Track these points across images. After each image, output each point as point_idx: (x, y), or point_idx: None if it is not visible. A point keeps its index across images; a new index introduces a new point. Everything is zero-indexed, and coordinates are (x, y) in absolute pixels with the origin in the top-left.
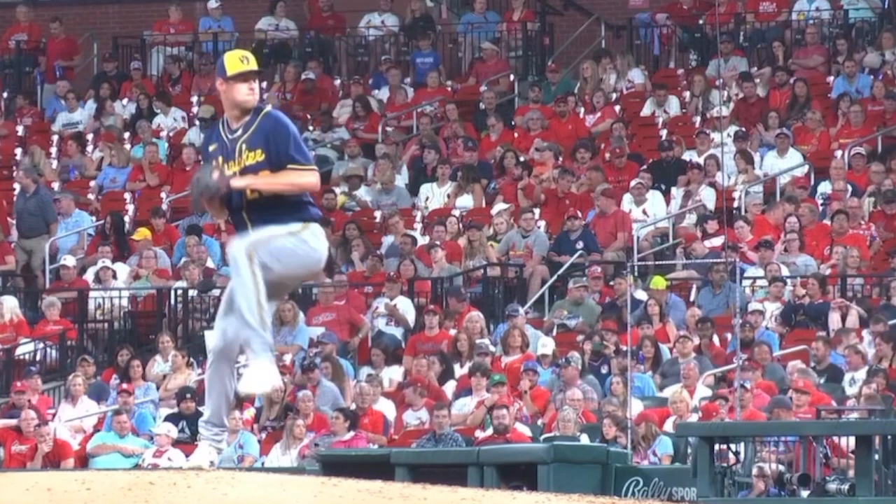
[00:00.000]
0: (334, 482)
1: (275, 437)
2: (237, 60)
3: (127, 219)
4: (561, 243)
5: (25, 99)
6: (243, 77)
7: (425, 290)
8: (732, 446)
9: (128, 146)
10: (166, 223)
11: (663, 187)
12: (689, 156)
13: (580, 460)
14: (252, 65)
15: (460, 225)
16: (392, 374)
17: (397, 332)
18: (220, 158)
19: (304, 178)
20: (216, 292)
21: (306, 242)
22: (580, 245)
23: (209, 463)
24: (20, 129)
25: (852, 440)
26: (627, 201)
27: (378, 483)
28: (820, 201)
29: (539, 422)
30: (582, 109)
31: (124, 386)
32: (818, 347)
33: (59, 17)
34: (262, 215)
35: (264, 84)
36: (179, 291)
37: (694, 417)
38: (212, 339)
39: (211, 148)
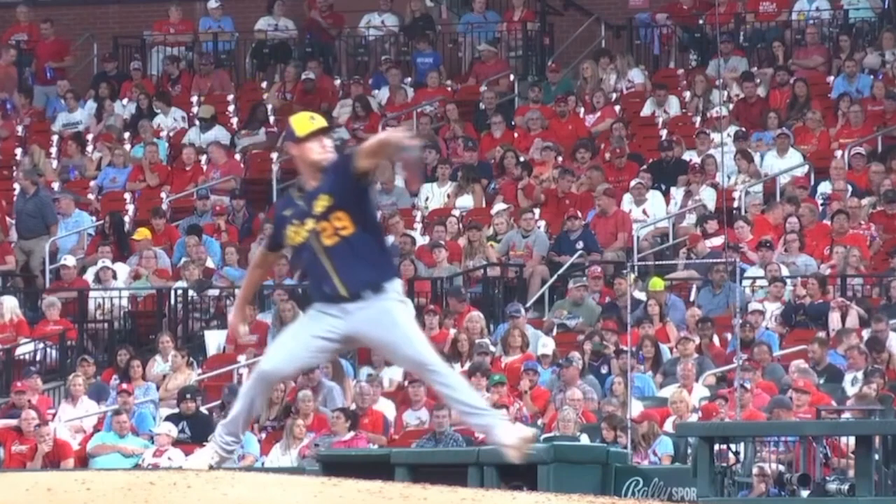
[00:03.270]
0: (334, 482)
1: (275, 437)
2: (306, 121)
3: (127, 219)
4: (561, 243)
5: (26, 98)
6: (314, 136)
7: (425, 290)
8: (732, 446)
9: (128, 146)
10: (166, 223)
11: (663, 187)
12: (689, 156)
13: (580, 460)
14: (320, 122)
15: (460, 225)
16: (392, 374)
17: None
18: (296, 222)
19: (375, 138)
20: (214, 292)
21: (408, 302)
22: (580, 245)
23: (208, 466)
24: (20, 129)
25: (852, 440)
26: (627, 201)
27: (378, 483)
28: (820, 201)
29: (539, 422)
30: (582, 109)
31: (124, 386)
32: (815, 349)
33: (51, 18)
34: (353, 275)
35: (264, 84)
36: (179, 291)
37: (694, 417)
38: (264, 360)
39: (286, 213)
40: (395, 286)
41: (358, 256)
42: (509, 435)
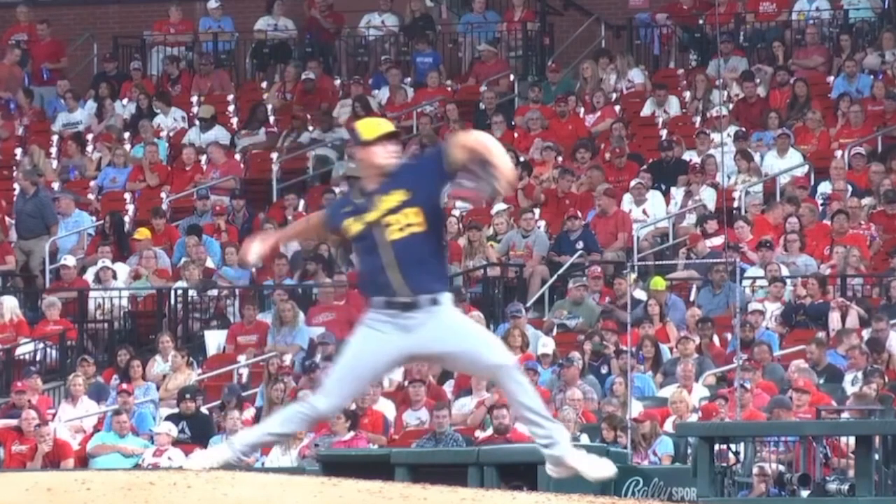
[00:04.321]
0: (334, 482)
1: None
2: (373, 125)
3: (127, 219)
4: (561, 243)
5: (26, 98)
6: (380, 140)
7: None
8: (732, 446)
9: (128, 146)
10: (166, 223)
11: (663, 187)
12: (689, 156)
13: None
14: (388, 127)
15: (460, 225)
16: (392, 374)
17: None
18: (352, 219)
19: (479, 137)
20: (213, 292)
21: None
22: (580, 245)
23: (209, 467)
24: (20, 129)
25: (852, 440)
26: (627, 201)
27: (378, 483)
28: (820, 201)
29: None
30: (582, 109)
31: (124, 386)
32: (812, 350)
33: (47, 19)
34: (415, 275)
35: (264, 84)
36: (179, 291)
37: (694, 417)
38: (319, 399)
39: (345, 210)
40: (448, 299)
41: (422, 258)
42: (586, 464)
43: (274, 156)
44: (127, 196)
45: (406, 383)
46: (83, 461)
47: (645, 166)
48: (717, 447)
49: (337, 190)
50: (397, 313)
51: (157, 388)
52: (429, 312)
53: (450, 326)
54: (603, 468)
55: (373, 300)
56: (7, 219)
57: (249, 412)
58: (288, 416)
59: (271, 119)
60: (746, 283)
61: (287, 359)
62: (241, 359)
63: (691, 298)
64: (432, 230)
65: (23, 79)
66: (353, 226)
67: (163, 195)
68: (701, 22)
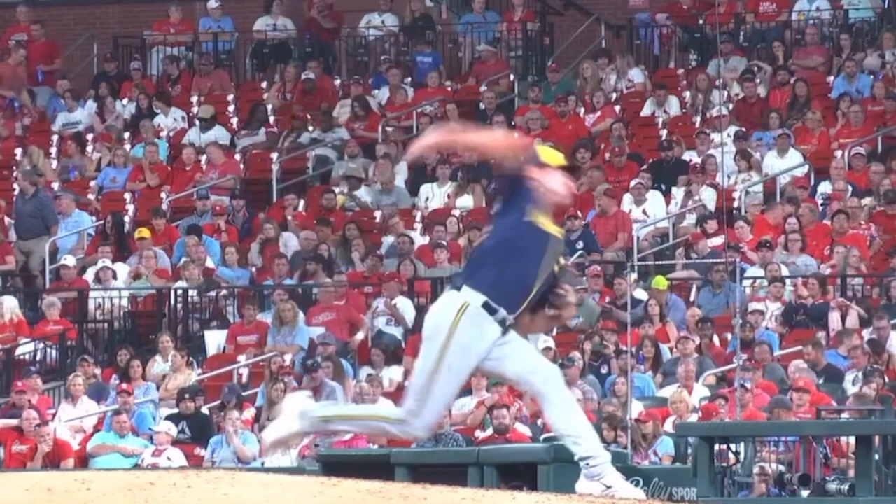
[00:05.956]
0: (334, 482)
1: None
2: (558, 154)
3: (127, 219)
4: None
5: (30, 98)
6: (563, 170)
7: (425, 291)
8: (732, 446)
9: (128, 146)
10: (166, 223)
11: (663, 187)
12: (689, 156)
13: None
14: (566, 160)
15: (460, 225)
16: (392, 374)
17: (397, 332)
18: (541, 211)
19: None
20: (212, 292)
21: None
22: (580, 245)
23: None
24: (19, 129)
25: (852, 440)
26: (627, 201)
27: (378, 483)
28: (820, 201)
29: (539, 422)
30: (582, 109)
31: (124, 386)
32: (809, 352)
33: (42, 20)
34: (529, 302)
35: (264, 84)
36: (179, 291)
37: (694, 417)
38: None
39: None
40: None
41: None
42: (620, 484)
43: (274, 156)
44: (127, 196)
45: (406, 383)
46: (83, 461)
47: (645, 166)
48: (717, 447)
49: (337, 190)
50: (505, 332)
51: (157, 388)
52: (506, 337)
53: (516, 348)
54: (634, 492)
55: (512, 317)
56: (7, 219)
57: (249, 412)
58: (372, 427)
59: (271, 119)
60: (746, 283)
61: (287, 359)
62: (241, 359)
63: (691, 298)
64: None
65: (26, 79)
66: (540, 216)
67: (163, 195)
68: (701, 22)
